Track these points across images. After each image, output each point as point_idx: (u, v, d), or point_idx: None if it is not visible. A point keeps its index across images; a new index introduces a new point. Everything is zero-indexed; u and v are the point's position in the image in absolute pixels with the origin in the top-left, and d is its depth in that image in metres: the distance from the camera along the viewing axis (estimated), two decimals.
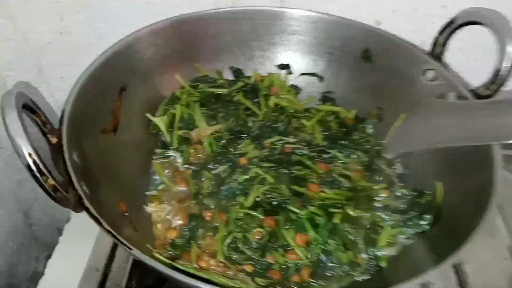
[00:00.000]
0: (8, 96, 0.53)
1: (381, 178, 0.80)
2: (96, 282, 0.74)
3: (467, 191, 0.68)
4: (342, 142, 0.84)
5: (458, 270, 0.79)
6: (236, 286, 0.64)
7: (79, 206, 0.56)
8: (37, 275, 0.79)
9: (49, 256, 0.81)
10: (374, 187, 0.78)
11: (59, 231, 0.85)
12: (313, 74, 0.94)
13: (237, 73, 0.94)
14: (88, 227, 0.59)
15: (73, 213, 0.58)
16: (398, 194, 0.77)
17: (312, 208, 0.71)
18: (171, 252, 0.69)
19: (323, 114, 0.89)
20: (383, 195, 0.77)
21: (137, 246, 0.57)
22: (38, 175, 0.51)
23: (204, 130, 0.84)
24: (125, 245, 0.53)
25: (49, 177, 0.52)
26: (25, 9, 0.90)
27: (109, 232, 0.54)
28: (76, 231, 0.84)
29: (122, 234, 0.56)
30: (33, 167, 0.51)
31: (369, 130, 0.89)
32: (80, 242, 0.81)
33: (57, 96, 1.03)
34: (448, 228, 0.67)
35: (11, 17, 0.91)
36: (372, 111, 0.90)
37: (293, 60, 0.94)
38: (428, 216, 0.71)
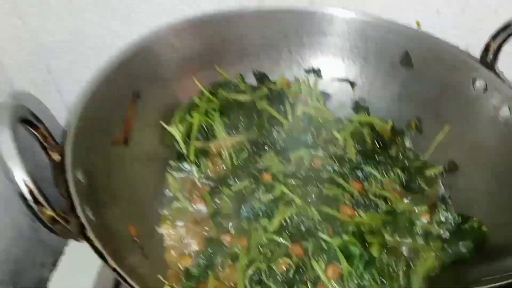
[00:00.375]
0: (2, 111, 0.46)
1: (422, 200, 0.71)
2: None
3: None
4: (378, 158, 0.75)
5: None
6: None
7: (81, 235, 0.49)
8: (43, 282, 0.75)
9: (55, 262, 0.75)
10: (414, 210, 0.69)
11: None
12: (345, 80, 0.86)
13: (261, 77, 0.86)
14: None
15: None
16: (441, 218, 0.69)
17: (346, 237, 0.62)
18: (185, 286, 0.61)
19: (357, 125, 0.80)
20: (425, 219, 0.69)
21: (147, 277, 0.50)
22: (33, 205, 0.44)
23: (224, 141, 0.76)
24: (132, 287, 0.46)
25: (47, 207, 0.45)
26: (35, 7, 0.84)
27: (115, 270, 0.46)
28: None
29: (130, 264, 0.50)
30: (28, 196, 0.44)
31: (407, 143, 0.80)
32: (86, 255, 0.74)
33: (66, 99, 0.96)
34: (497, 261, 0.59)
35: (21, 15, 0.85)
36: (410, 122, 0.81)
37: (323, 64, 0.85)
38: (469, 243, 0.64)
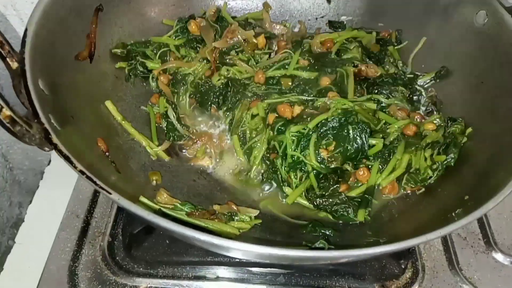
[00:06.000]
0: None
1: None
2: (77, 229, 0.66)
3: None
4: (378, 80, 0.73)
5: None
6: (231, 231, 0.57)
7: (46, 142, 0.46)
8: (21, 221, 0.73)
9: (31, 202, 0.74)
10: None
11: (42, 175, 0.78)
12: None
13: None
14: (70, 170, 0.49)
15: (54, 155, 0.48)
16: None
17: None
18: None
19: (343, 40, 0.77)
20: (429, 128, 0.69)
21: (120, 191, 0.48)
22: None
23: None
24: (102, 188, 0.44)
25: (4, 105, 0.42)
26: None
27: (82, 173, 0.44)
28: (57, 174, 0.76)
29: (101, 177, 0.47)
30: None
31: (396, 55, 0.78)
32: (61, 186, 0.72)
33: None
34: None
35: None
36: (391, 34, 0.80)
37: None
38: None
